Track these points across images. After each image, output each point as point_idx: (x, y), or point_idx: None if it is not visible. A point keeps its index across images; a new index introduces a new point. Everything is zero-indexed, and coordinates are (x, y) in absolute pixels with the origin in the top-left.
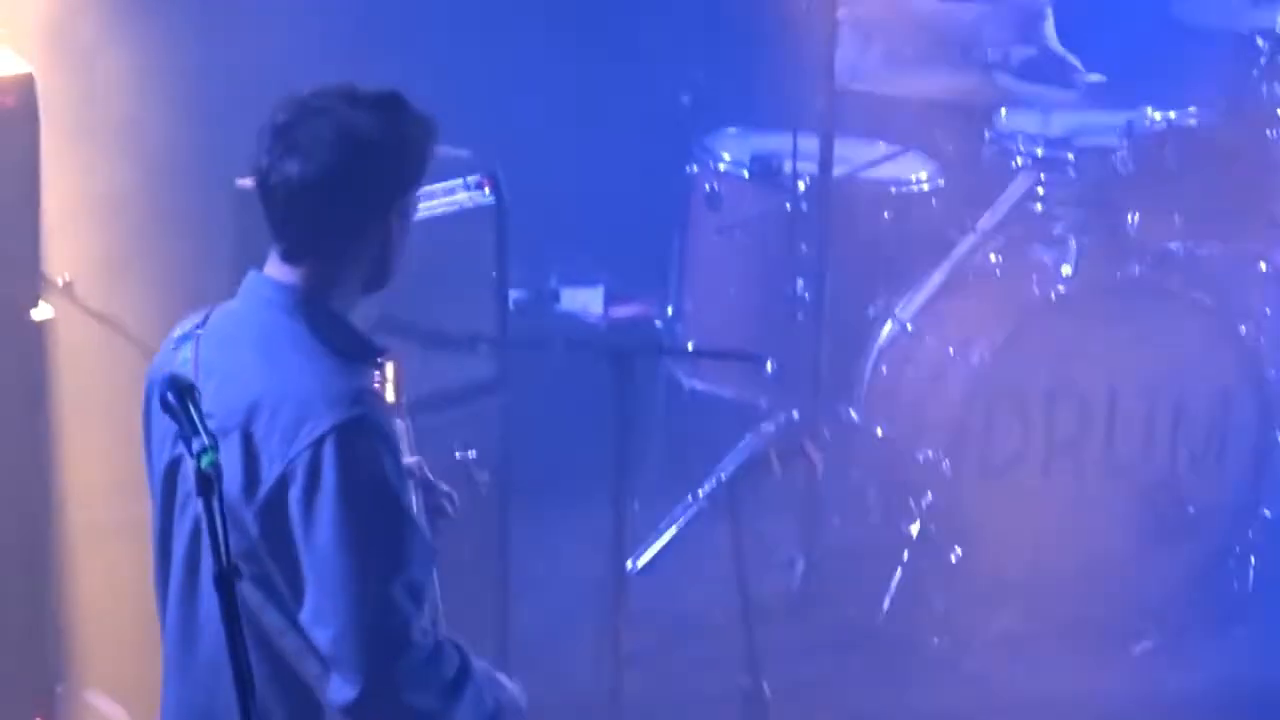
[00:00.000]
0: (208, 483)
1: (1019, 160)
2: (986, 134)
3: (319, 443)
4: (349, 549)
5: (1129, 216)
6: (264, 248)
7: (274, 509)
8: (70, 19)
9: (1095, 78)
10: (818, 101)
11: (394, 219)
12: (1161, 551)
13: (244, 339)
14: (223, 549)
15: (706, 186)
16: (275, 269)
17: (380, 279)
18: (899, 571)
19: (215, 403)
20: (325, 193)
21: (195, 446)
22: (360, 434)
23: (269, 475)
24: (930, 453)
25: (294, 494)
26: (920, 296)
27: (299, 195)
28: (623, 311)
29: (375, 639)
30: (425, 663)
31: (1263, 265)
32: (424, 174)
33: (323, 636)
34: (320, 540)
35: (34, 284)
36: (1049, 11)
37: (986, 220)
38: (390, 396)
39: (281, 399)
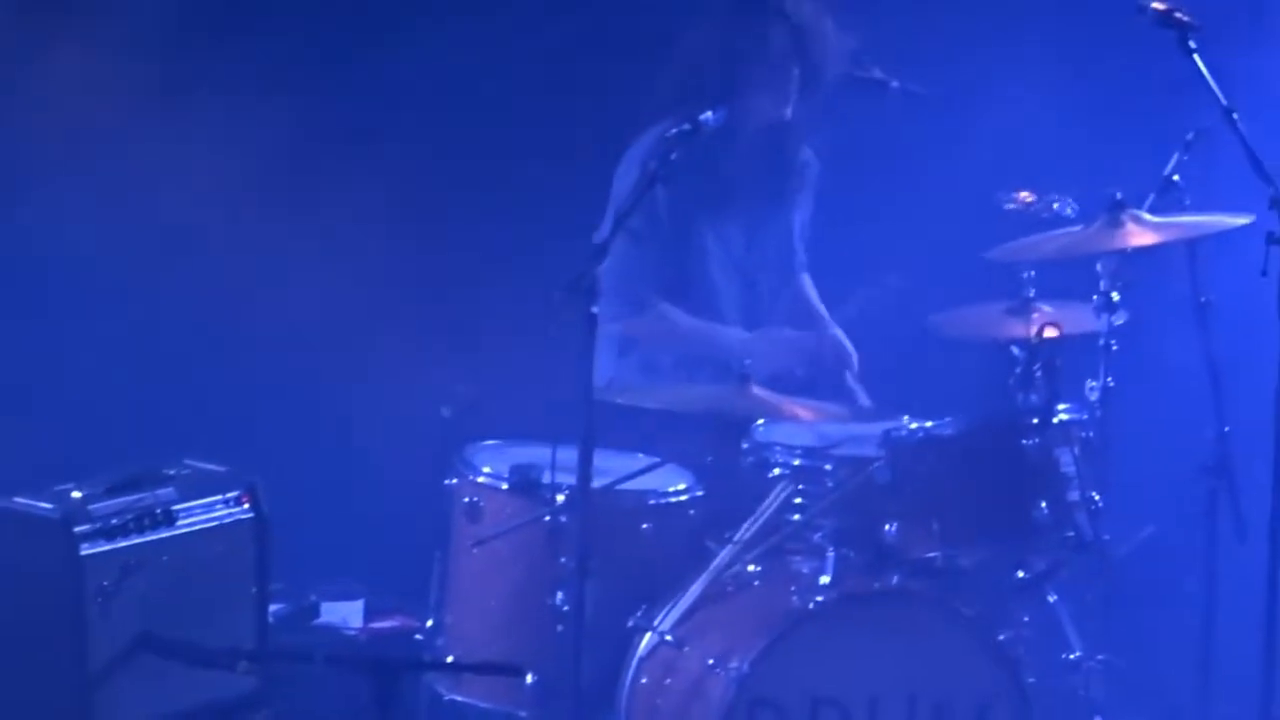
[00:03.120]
0: None
1: (776, 470)
2: (744, 444)
3: None
4: None
5: (887, 526)
6: None
7: None
8: None
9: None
10: (576, 413)
11: None
12: None
13: None
14: None
15: (466, 499)
16: None
17: None
18: None
19: None
20: None
21: None
22: None
23: None
24: None
25: None
26: (680, 607)
27: None
28: (383, 624)
29: None
30: None
31: (1020, 573)
32: None
33: None
34: None
35: None
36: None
37: (744, 531)
38: None
39: None
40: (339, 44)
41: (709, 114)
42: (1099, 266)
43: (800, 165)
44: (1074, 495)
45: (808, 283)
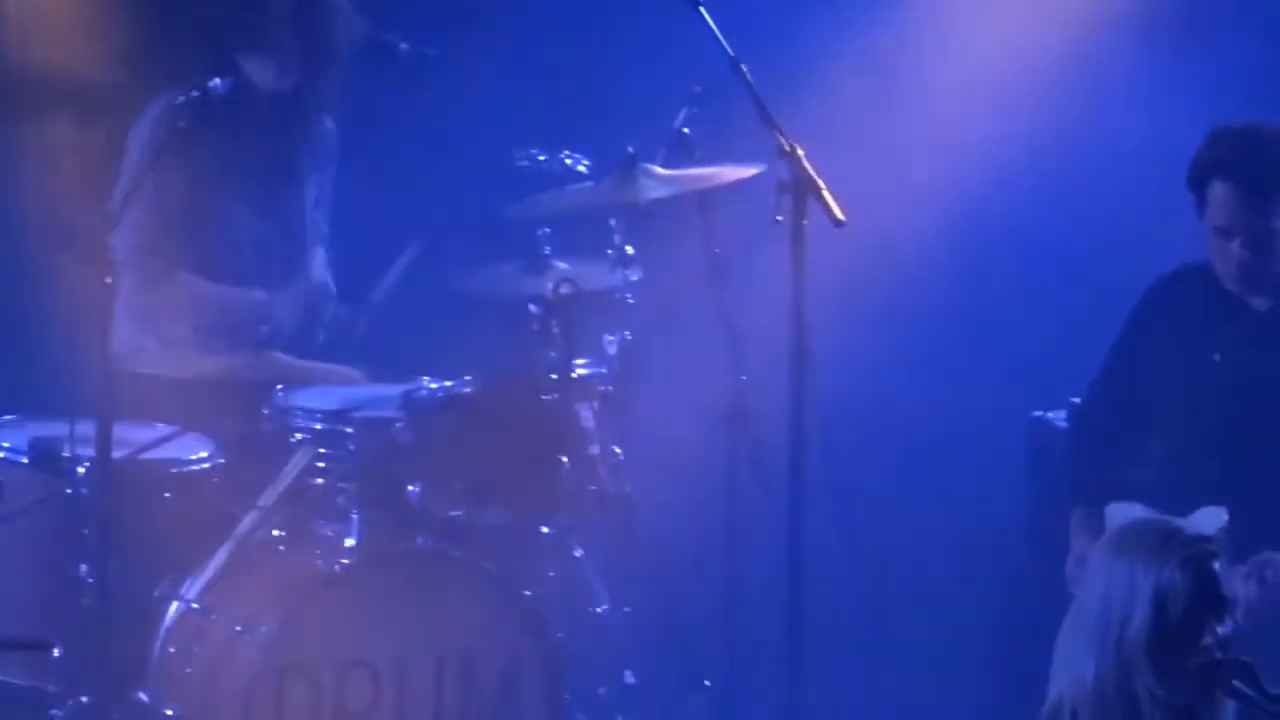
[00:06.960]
0: None
1: (298, 435)
2: (265, 410)
3: None
4: None
5: (411, 487)
6: None
7: None
8: None
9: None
10: (94, 385)
11: None
12: None
13: None
14: None
15: None
16: None
17: None
18: None
19: None
20: None
21: None
22: None
23: None
24: None
25: None
26: (206, 575)
27: None
28: None
29: None
30: None
31: (545, 529)
32: None
33: None
34: None
35: None
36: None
37: (268, 496)
38: None
39: None
40: None
41: (217, 81)
42: (613, 222)
43: (318, 136)
44: (595, 449)
45: (320, 257)
